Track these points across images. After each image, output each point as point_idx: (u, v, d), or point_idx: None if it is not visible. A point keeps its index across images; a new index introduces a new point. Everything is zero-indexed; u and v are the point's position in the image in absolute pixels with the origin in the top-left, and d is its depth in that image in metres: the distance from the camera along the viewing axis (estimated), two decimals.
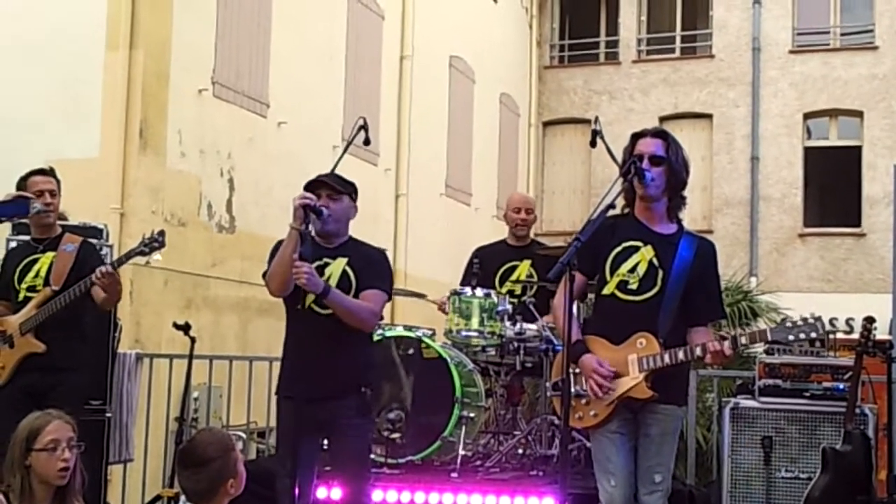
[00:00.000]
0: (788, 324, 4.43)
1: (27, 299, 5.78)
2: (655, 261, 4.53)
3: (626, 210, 4.71)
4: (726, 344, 4.35)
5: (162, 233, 5.63)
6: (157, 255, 5.65)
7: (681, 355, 4.39)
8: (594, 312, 4.82)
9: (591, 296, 6.01)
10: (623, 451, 4.54)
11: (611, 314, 4.60)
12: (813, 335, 4.39)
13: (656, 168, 4.52)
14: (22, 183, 5.87)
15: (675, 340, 4.44)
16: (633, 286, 4.53)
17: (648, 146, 4.56)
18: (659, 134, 4.64)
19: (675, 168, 4.57)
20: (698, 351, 4.38)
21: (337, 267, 4.91)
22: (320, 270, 4.84)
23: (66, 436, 3.91)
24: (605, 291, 4.60)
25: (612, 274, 4.57)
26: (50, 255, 5.85)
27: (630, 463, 4.56)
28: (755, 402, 6.84)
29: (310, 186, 4.89)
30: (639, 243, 4.58)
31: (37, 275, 5.80)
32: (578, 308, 4.90)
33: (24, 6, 9.88)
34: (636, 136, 4.65)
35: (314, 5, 12.61)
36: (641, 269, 4.54)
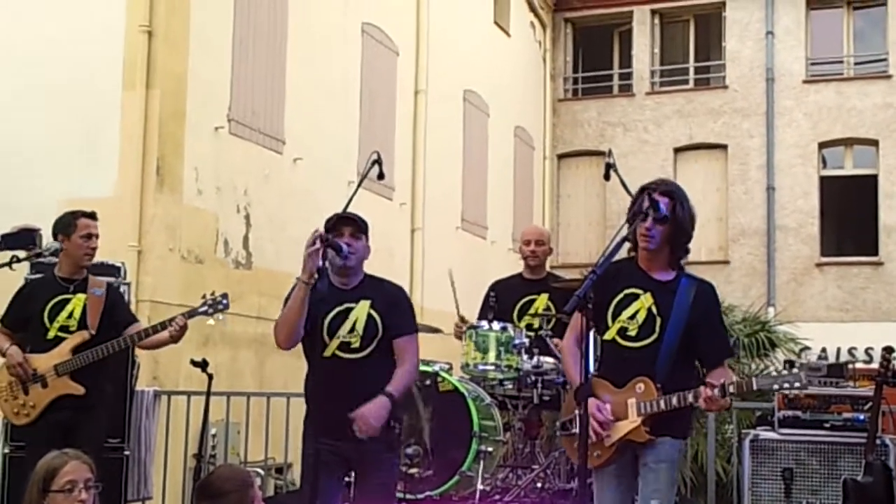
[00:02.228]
0: (774, 373, 4.61)
1: (58, 338, 5.92)
2: (654, 308, 4.64)
3: (632, 254, 4.81)
4: (716, 391, 4.44)
5: (225, 295, 5.94)
6: (220, 317, 5.96)
7: (674, 401, 4.51)
8: (601, 356, 4.93)
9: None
10: (619, 491, 4.70)
11: (612, 359, 4.73)
12: (797, 385, 4.52)
13: (659, 226, 4.61)
14: (70, 219, 6.00)
15: (673, 385, 4.55)
16: (633, 333, 4.65)
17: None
18: (666, 192, 4.68)
19: (679, 225, 4.65)
20: (691, 397, 4.50)
21: (361, 311, 4.85)
22: (343, 315, 4.81)
23: (83, 476, 3.90)
24: (607, 337, 4.73)
25: (613, 320, 4.69)
26: (81, 297, 6.00)
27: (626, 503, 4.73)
28: (775, 434, 6.81)
29: (336, 223, 4.86)
30: (639, 291, 4.69)
31: (70, 315, 5.95)
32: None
33: (42, 47, 9.97)
34: (644, 190, 4.72)
35: (328, 42, 12.70)
36: (641, 317, 4.65)
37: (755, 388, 4.60)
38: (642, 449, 4.62)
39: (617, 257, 4.55)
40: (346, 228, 4.84)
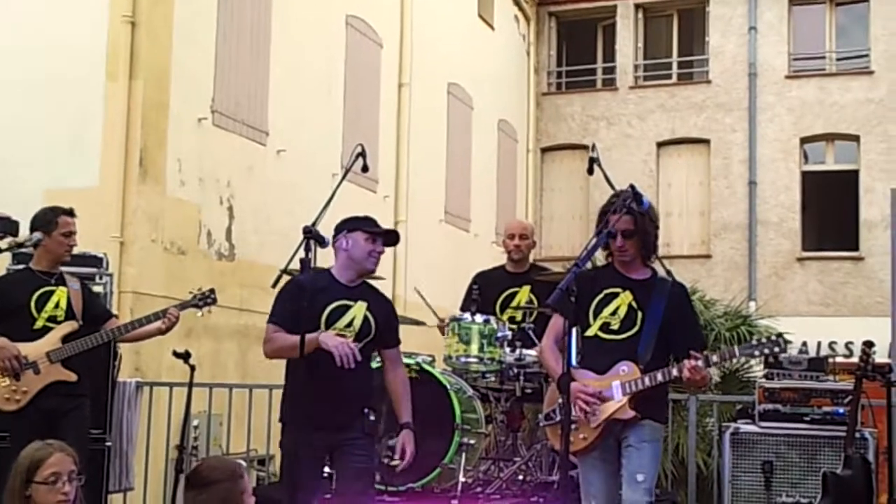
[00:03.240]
0: (754, 342, 5.00)
1: (45, 328, 5.99)
2: (634, 304, 4.96)
3: (608, 260, 5.14)
4: (700, 362, 4.73)
5: (212, 290, 6.29)
6: (208, 310, 6.40)
7: (659, 377, 4.80)
8: (582, 351, 5.19)
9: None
10: (604, 474, 4.92)
11: (594, 351, 4.98)
12: (776, 350, 4.90)
13: (628, 240, 4.94)
14: (52, 217, 6.06)
15: (654, 368, 4.83)
16: (615, 327, 4.94)
17: (620, 223, 4.88)
18: (628, 212, 4.91)
19: (644, 232, 4.97)
20: (675, 371, 4.79)
21: (359, 311, 5.11)
22: (342, 310, 5.07)
23: (67, 469, 3.89)
24: (589, 333, 4.99)
25: (595, 318, 4.97)
26: (63, 289, 6.10)
27: (612, 487, 4.90)
28: (755, 427, 6.85)
29: (384, 233, 5.20)
30: (618, 289, 5.00)
31: (56, 306, 6.04)
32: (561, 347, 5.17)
33: (25, 37, 9.92)
34: (606, 213, 4.99)
35: (312, 34, 12.68)
36: (622, 312, 4.96)
37: (738, 355, 4.99)
38: (626, 430, 4.83)
39: (593, 261, 4.87)
40: (385, 238, 5.20)
